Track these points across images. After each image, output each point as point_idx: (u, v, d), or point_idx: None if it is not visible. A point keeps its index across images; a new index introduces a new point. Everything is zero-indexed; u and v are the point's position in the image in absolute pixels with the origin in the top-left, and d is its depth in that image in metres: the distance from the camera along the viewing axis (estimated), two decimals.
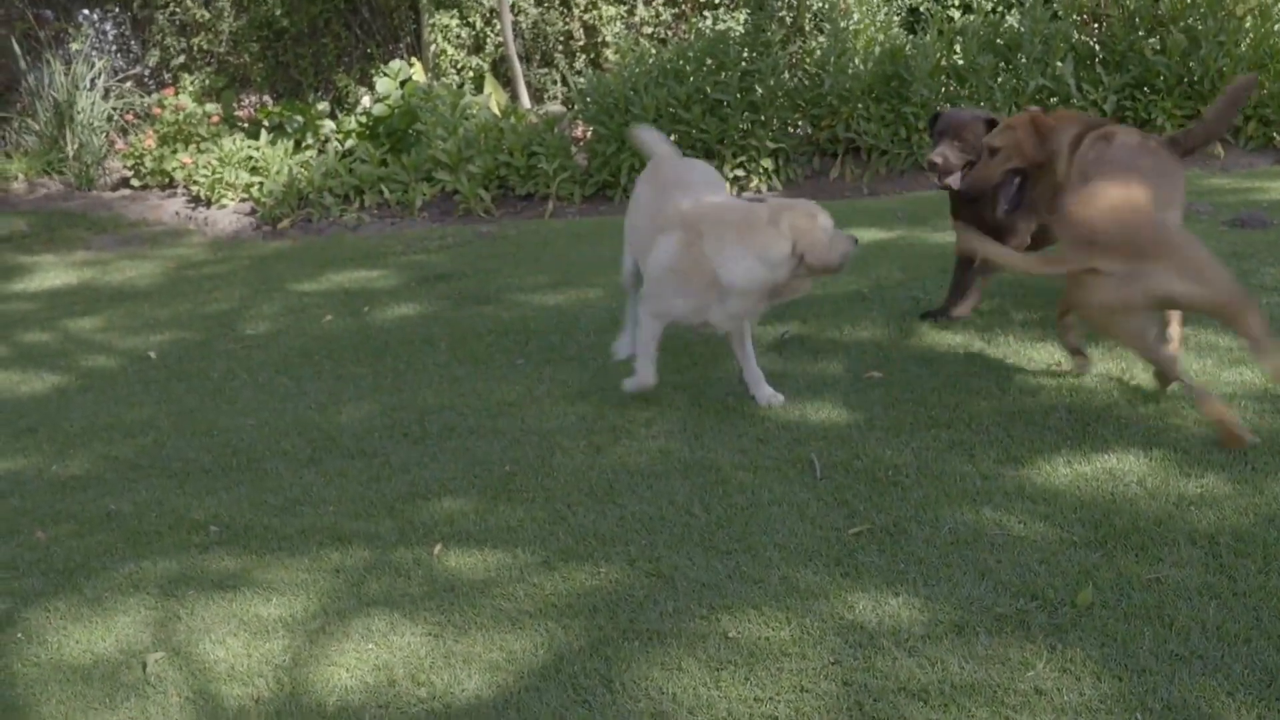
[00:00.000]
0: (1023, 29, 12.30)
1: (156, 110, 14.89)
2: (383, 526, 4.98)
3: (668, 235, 5.56)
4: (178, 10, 17.13)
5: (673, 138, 12.34)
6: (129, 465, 6.03)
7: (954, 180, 6.28)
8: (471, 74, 15.90)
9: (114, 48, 17.21)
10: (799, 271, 5.42)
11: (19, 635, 4.46)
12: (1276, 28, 11.91)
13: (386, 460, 5.70)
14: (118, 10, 17.34)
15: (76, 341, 8.74)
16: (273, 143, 14.26)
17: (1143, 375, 5.71)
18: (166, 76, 17.16)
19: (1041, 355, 6.07)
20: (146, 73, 17.29)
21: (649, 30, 15.88)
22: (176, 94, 15.01)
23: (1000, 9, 13.65)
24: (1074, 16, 12.46)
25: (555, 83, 16.23)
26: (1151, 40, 11.99)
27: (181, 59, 17.16)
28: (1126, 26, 12.11)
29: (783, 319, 6.81)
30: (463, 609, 4.27)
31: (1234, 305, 4.86)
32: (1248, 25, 11.78)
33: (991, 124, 6.26)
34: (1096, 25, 12.55)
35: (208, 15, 17.04)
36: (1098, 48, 12.25)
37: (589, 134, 13.20)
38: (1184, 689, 3.45)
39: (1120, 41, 12.05)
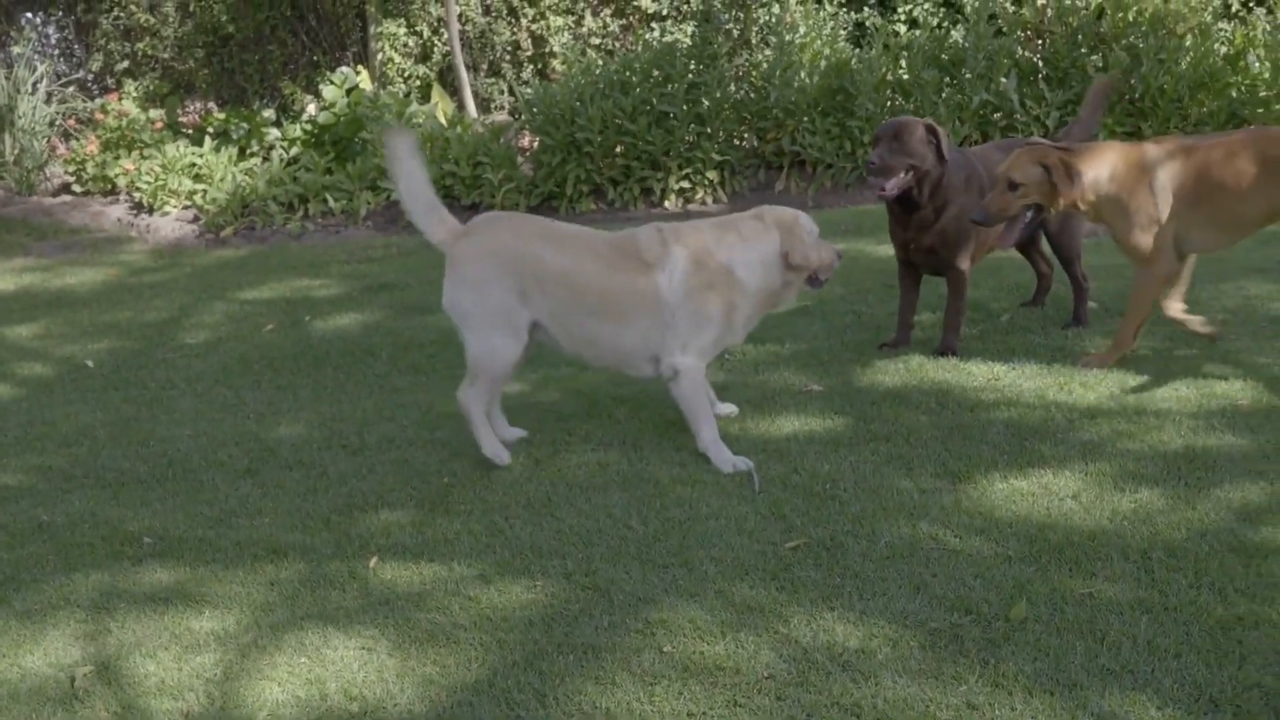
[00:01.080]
0: (967, 45, 12.39)
1: (99, 116, 14.76)
2: (319, 539, 4.94)
3: (667, 265, 5.30)
4: (122, 15, 17.01)
5: (619, 149, 12.36)
6: (63, 476, 5.95)
7: (891, 185, 6.23)
8: (418, 83, 15.88)
9: (57, 52, 17.09)
10: (787, 276, 5.43)
11: None
12: (1216, 46, 12.05)
13: (324, 472, 5.66)
14: (61, 14, 17.21)
15: (13, 349, 8.63)
16: (217, 150, 14.16)
17: (1080, 390, 5.75)
18: (110, 82, 17.04)
19: (980, 370, 6.11)
20: (90, 77, 17.16)
21: (596, 41, 15.90)
22: (120, 99, 14.89)
23: (945, 25, 13.75)
24: (1018, 33, 12.56)
25: (502, 93, 16.23)
26: (1094, 57, 12.10)
27: (125, 64, 17.03)
28: (1069, 43, 12.21)
29: None
30: (397, 622, 4.23)
31: None
32: (1187, 44, 11.91)
33: (931, 129, 6.24)
34: (1040, 42, 12.64)
35: (153, 20, 16.92)
36: (1041, 64, 12.36)
37: (535, 144, 13.18)
38: (1115, 703, 3.46)
39: (1063, 58, 12.16)
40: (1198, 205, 5.85)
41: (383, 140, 5.81)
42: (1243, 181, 5.79)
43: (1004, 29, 12.60)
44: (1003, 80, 12.00)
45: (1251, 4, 14.05)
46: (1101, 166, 5.91)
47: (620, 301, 5.27)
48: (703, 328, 5.32)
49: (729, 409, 5.84)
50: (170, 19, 16.98)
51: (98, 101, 15.71)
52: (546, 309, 5.33)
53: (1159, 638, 3.74)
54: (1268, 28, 12.08)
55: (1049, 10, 12.52)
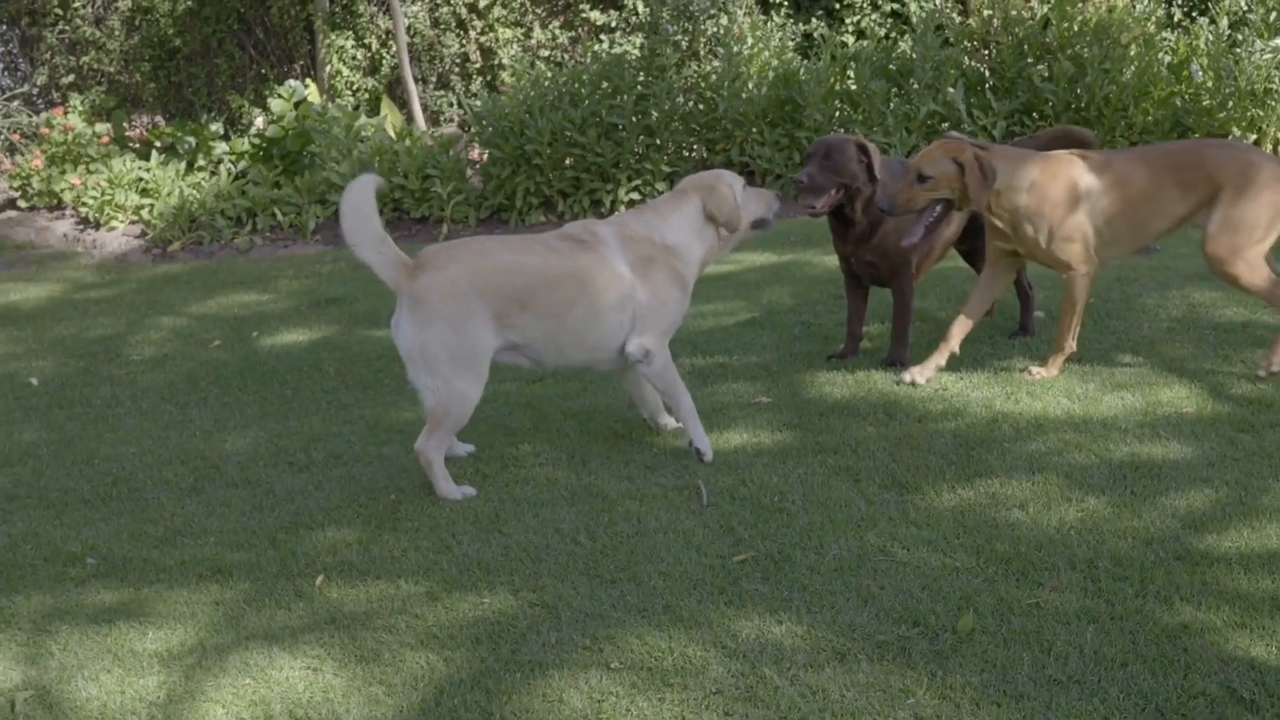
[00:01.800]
0: (914, 55, 12.45)
1: (45, 130, 14.62)
2: (264, 557, 4.90)
3: (609, 257, 5.35)
4: (67, 29, 16.87)
5: (568, 161, 12.36)
6: (5, 496, 5.88)
7: (820, 204, 6.22)
8: (367, 96, 15.81)
9: (0, 66, 16.89)
10: (720, 233, 5.56)
11: None
12: (1160, 56, 12.15)
13: (270, 489, 5.61)
14: (5, 27, 17.05)
15: None
16: (164, 164, 14.06)
17: (1027, 400, 5.78)
18: (55, 96, 16.88)
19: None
20: (35, 92, 17.00)
21: (545, 53, 15.88)
22: (66, 114, 14.76)
23: (893, 35, 13.82)
24: (965, 43, 12.64)
25: (451, 105, 16.18)
26: (1040, 67, 12.19)
27: (71, 78, 16.88)
28: (1015, 54, 12.30)
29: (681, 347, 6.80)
30: (343, 641, 4.20)
31: None
32: (1132, 53, 12.01)
33: (862, 148, 6.24)
34: (986, 52, 12.72)
35: (98, 34, 16.79)
36: (988, 74, 12.44)
37: (484, 157, 13.15)
38: (1061, 714, 3.47)
39: (1009, 68, 12.24)
40: (1113, 217, 5.91)
41: (349, 182, 5.47)
42: (1157, 194, 5.88)
43: (951, 39, 12.68)
44: (950, 90, 12.07)
45: (1194, 14, 14.18)
46: (1021, 174, 5.88)
47: (591, 282, 5.27)
48: (665, 304, 5.40)
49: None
50: (116, 32, 16.85)
51: (43, 116, 15.56)
52: (527, 320, 5.23)
53: (1105, 647, 3.75)
54: (1210, 37, 12.19)
55: (995, 21, 12.61)
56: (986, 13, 12.69)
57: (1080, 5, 12.37)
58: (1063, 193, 5.83)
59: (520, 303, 5.19)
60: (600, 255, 5.33)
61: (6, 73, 16.90)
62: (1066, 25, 12.23)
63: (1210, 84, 11.87)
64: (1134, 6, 12.45)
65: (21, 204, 14.40)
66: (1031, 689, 3.58)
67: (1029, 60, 12.24)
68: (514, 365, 5.47)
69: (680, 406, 5.48)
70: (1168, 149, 6.23)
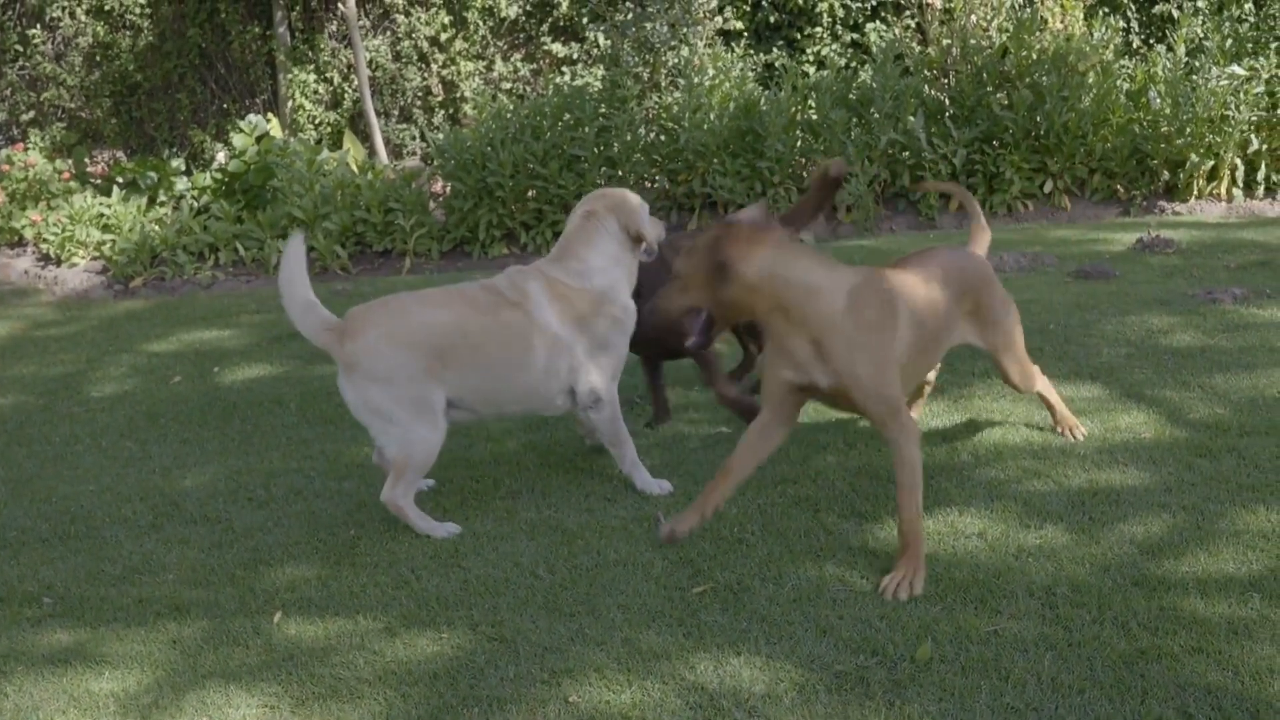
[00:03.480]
0: (875, 85, 12.53)
1: (4, 167, 14.55)
2: (222, 594, 4.86)
3: (538, 315, 5.25)
4: (27, 65, 16.82)
5: (530, 194, 12.37)
6: None
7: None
8: (329, 129, 15.82)
9: None
10: (639, 252, 5.53)
11: None
12: (1118, 83, 12.26)
13: (230, 525, 5.58)
14: None
15: None
16: (125, 199, 14.01)
17: (986, 428, 5.79)
18: (15, 132, 16.82)
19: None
20: None
21: (507, 86, 15.92)
22: (26, 150, 14.70)
23: (853, 65, 13.91)
24: (924, 72, 12.73)
25: (414, 138, 16.19)
26: (999, 95, 12.29)
27: (31, 114, 16.83)
28: (975, 82, 12.39)
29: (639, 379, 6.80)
30: (300, 679, 4.17)
31: None
32: (1090, 81, 12.11)
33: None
34: (946, 81, 12.81)
35: (58, 70, 16.74)
36: (948, 103, 12.53)
37: (447, 190, 13.16)
38: None
39: (969, 97, 12.33)
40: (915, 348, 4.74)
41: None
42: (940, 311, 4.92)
43: (911, 69, 12.77)
44: (910, 119, 12.15)
45: (1152, 41, 14.32)
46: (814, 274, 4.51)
47: (515, 341, 5.20)
48: (604, 349, 5.36)
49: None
50: (77, 68, 16.80)
51: (3, 153, 15.49)
52: (452, 377, 5.15)
53: (1063, 674, 3.76)
54: (1168, 64, 12.31)
55: (954, 50, 12.70)
56: (945, 42, 12.79)
57: (1038, 34, 12.47)
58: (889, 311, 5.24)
59: (441, 359, 5.12)
60: (528, 313, 5.24)
61: None
62: (1025, 54, 12.33)
63: (1168, 111, 11.98)
64: (1091, 35, 12.56)
65: None
66: (990, 717, 3.59)
67: (988, 89, 12.34)
68: (459, 422, 5.37)
69: (625, 458, 5.44)
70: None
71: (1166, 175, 12.21)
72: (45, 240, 13.64)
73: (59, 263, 13.56)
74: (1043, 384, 5.55)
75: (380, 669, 4.18)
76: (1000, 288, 5.32)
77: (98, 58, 16.80)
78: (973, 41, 12.57)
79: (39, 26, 16.75)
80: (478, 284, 5.41)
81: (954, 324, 5.04)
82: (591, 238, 5.42)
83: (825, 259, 4.57)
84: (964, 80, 12.50)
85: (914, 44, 13.49)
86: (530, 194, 12.50)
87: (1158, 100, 12.11)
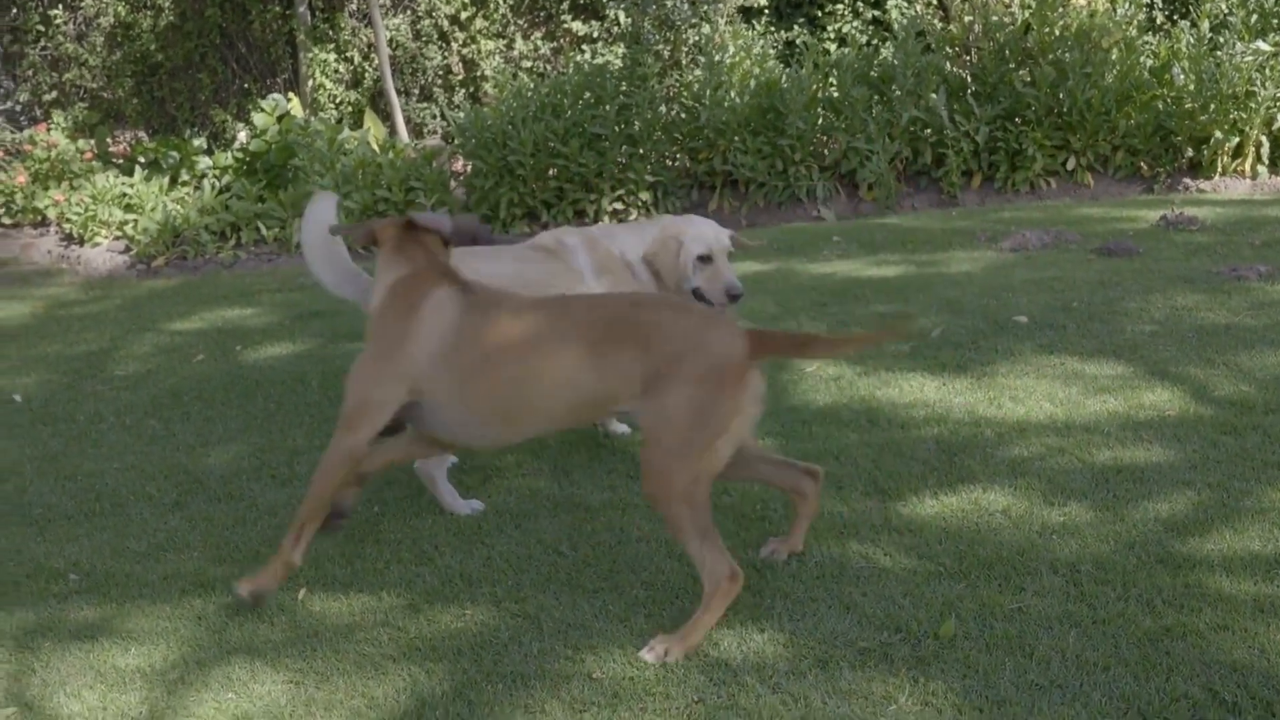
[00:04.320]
0: (896, 62, 12.49)
1: (28, 147, 14.60)
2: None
3: (576, 255, 5.52)
4: (49, 46, 16.85)
5: (551, 172, 12.37)
6: None
7: None
8: (350, 109, 15.81)
9: None
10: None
11: None
12: (1141, 59, 12.19)
13: (254, 503, 5.60)
14: None
15: None
16: (148, 179, 14.04)
17: (1010, 405, 5.78)
18: (38, 112, 16.86)
19: (911, 387, 6.12)
20: (18, 109, 16.97)
21: (527, 64, 15.90)
22: (48, 130, 14.75)
23: (874, 42, 13.85)
24: (946, 49, 12.68)
25: (434, 117, 16.18)
26: (1021, 72, 12.23)
27: (54, 95, 16.86)
28: (997, 59, 12.34)
29: None
30: (325, 655, 4.19)
31: None
32: (1114, 57, 12.05)
33: None
34: (968, 58, 12.76)
35: (80, 50, 16.77)
36: (970, 80, 12.48)
37: (468, 168, 13.16)
38: (1044, 719, 3.46)
39: (991, 74, 12.28)
40: (470, 372, 4.28)
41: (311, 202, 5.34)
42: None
43: (932, 46, 12.72)
44: (932, 96, 12.10)
45: (1176, 17, 14.23)
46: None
47: (560, 287, 5.25)
48: None
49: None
50: (98, 49, 16.83)
51: (26, 133, 15.54)
52: None
53: (1087, 651, 3.75)
54: (1191, 40, 12.24)
55: (976, 26, 12.64)
56: (968, 18, 12.73)
57: (1061, 10, 12.40)
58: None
59: None
60: (566, 262, 5.44)
61: None
62: (1048, 30, 12.28)
63: (1192, 87, 11.91)
64: (1115, 10, 12.49)
65: (5, 221, 14.36)
66: (1014, 694, 3.58)
67: (1011, 65, 12.29)
68: None
69: None
70: None
71: (1190, 152, 12.15)
72: (68, 220, 13.69)
73: (82, 242, 13.61)
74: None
75: (404, 645, 4.20)
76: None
77: (119, 38, 16.82)
78: (995, 18, 12.52)
79: (60, 7, 16.78)
80: (525, 243, 5.52)
81: (586, 375, 4.14)
82: (643, 231, 5.57)
83: (398, 262, 4.51)
84: (986, 57, 12.45)
85: (936, 20, 13.44)
86: (551, 172, 12.50)
87: (1181, 76, 12.04)
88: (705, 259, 5.53)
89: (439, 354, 4.27)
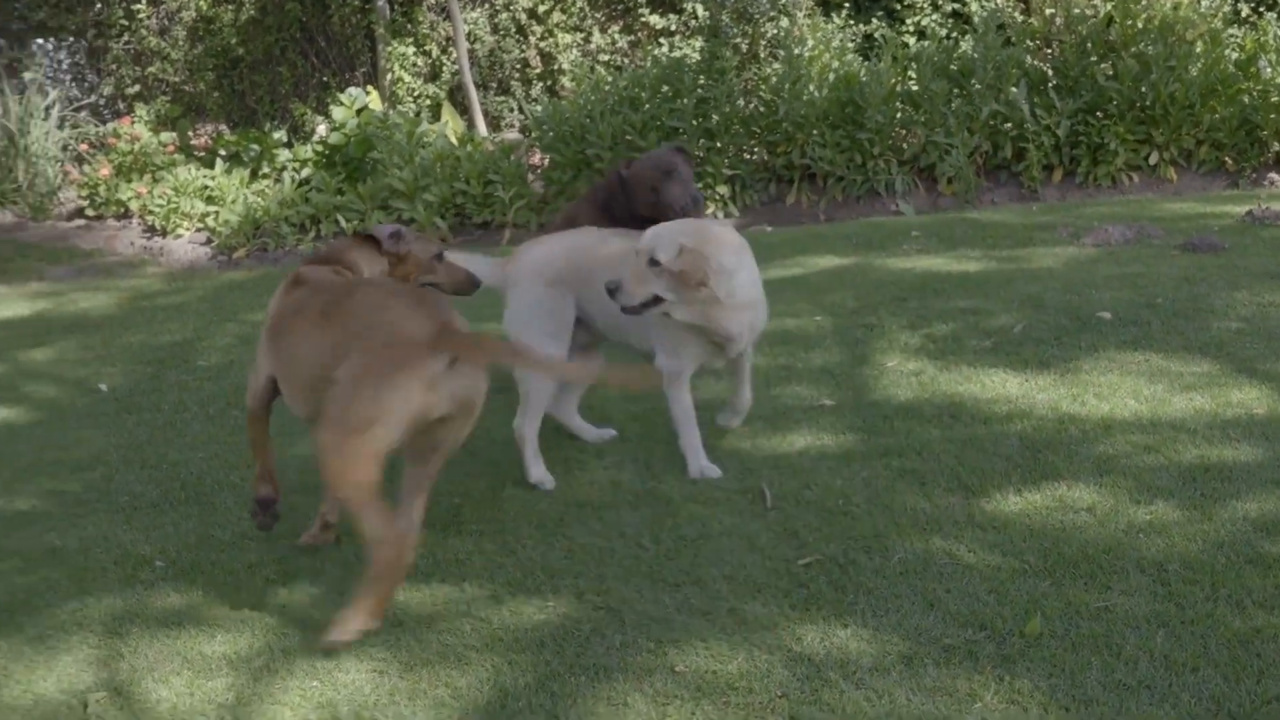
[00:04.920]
0: (976, 55, 12.39)
1: (112, 140, 14.80)
2: (329, 561, 4.92)
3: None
4: (132, 40, 17.06)
5: None
6: (75, 500, 5.95)
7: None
8: (428, 102, 15.89)
9: (69, 77, 17.11)
10: None
11: None
12: (1227, 52, 12.02)
13: None
14: (72, 39, 17.25)
15: (27, 373, 8.64)
16: (228, 172, 14.19)
17: (1094, 402, 5.72)
18: (122, 106, 17.08)
19: (993, 383, 6.07)
20: (102, 102, 17.20)
21: (605, 58, 15.89)
22: (132, 123, 14.94)
23: (954, 35, 13.74)
24: (1027, 42, 12.56)
25: (512, 110, 16.23)
26: (1104, 65, 12.09)
27: (137, 88, 17.07)
28: (1079, 52, 12.20)
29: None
30: (409, 645, 4.22)
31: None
32: (1198, 50, 11.89)
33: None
34: (1049, 51, 12.63)
35: (163, 44, 16.97)
36: (1051, 73, 12.34)
37: (545, 161, 13.20)
38: (1131, 719, 3.43)
39: (1073, 67, 12.14)
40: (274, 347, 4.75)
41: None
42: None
43: (1013, 39, 12.60)
44: (1012, 90, 11.99)
45: (1262, 9, 14.01)
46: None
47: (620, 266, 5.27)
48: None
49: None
50: (180, 42, 17.02)
51: (110, 126, 15.75)
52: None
53: (1176, 652, 3.71)
54: (1278, 32, 12.05)
55: (1058, 19, 12.52)
56: (1049, 11, 12.60)
57: (1145, 2, 12.24)
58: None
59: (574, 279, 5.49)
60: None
61: (74, 84, 17.09)
62: (1130, 22, 12.13)
63: (1279, 80, 11.73)
64: (1199, 3, 12.32)
65: (89, 213, 14.58)
66: (1101, 693, 3.55)
67: (1092, 58, 12.15)
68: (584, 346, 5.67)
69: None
70: None
71: (1277, 146, 11.95)
72: (151, 212, 13.87)
73: (164, 234, 13.79)
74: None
75: (487, 636, 4.22)
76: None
77: (201, 32, 17.00)
78: (1077, 10, 12.38)
79: (144, 1, 16.98)
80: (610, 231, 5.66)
81: (309, 350, 4.48)
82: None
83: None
84: (1068, 50, 12.31)
85: (1016, 13, 13.31)
86: None
87: (1268, 69, 11.86)
88: None
89: (266, 331, 4.76)
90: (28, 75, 15.92)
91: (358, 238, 5.11)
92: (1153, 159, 12.02)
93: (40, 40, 16.92)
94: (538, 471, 5.49)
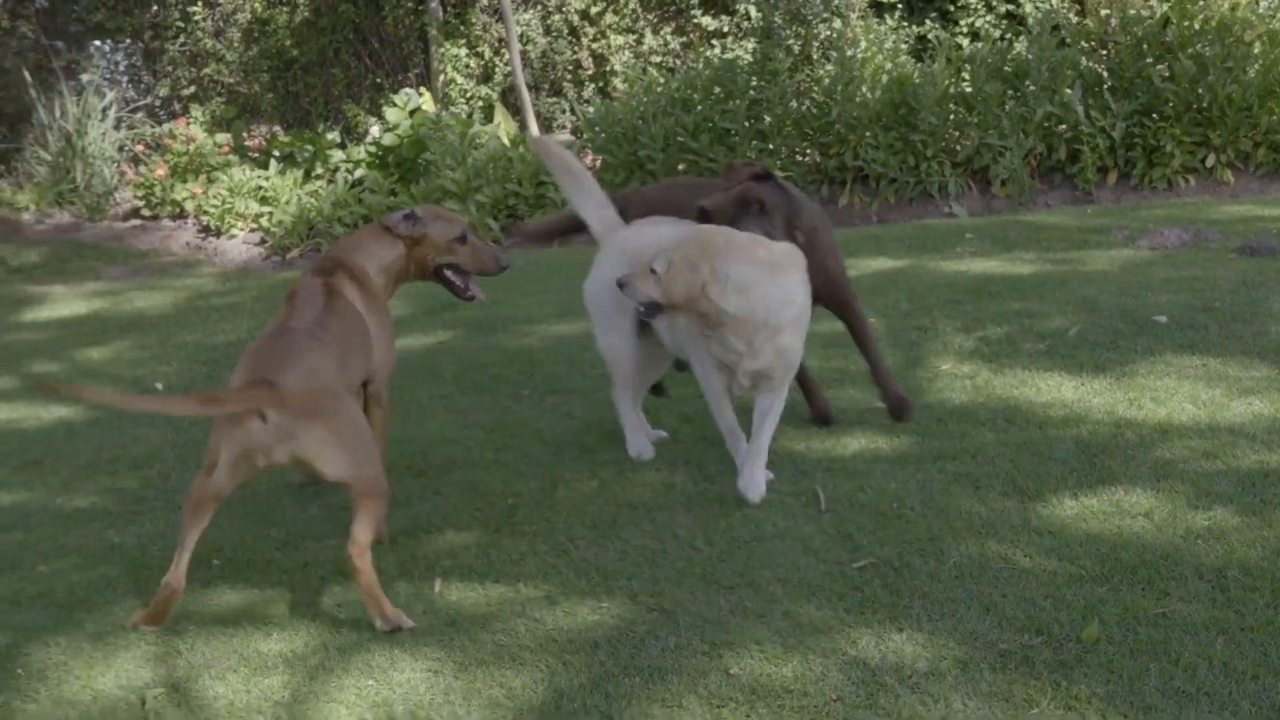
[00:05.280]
0: (1030, 56, 12.30)
1: (167, 141, 14.94)
2: (385, 560, 4.93)
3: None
4: (188, 41, 17.21)
5: (681, 167, 12.37)
6: (133, 498, 6.00)
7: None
8: (480, 103, 15.94)
9: (125, 78, 17.28)
10: None
11: (19, 671, 4.43)
12: None
13: (390, 493, 5.65)
14: (129, 41, 17.42)
15: (85, 372, 8.73)
16: (282, 172, 14.30)
17: (1151, 406, 5.66)
18: (177, 107, 17.23)
19: (1048, 386, 6.04)
20: (157, 103, 17.36)
21: (657, 59, 15.90)
22: (187, 124, 15.07)
23: (1008, 36, 13.65)
24: (1082, 43, 12.46)
25: (564, 112, 16.26)
26: (1160, 67, 11.96)
27: (192, 89, 17.22)
28: (1134, 53, 12.09)
29: None
30: (463, 644, 4.23)
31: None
32: (1256, 51, 11.76)
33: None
34: (1104, 52, 12.53)
35: (218, 46, 17.11)
36: (1106, 74, 12.24)
37: (598, 163, 13.21)
38: None
39: (1128, 68, 12.03)
40: None
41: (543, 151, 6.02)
42: None
43: (1068, 40, 12.50)
44: (1067, 91, 11.91)
45: None
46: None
47: None
48: None
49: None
50: (235, 44, 17.16)
51: (165, 127, 15.90)
52: None
53: (1236, 659, 3.68)
54: None
55: (1113, 20, 12.41)
56: (1104, 12, 12.50)
57: (1202, 3, 12.12)
58: None
59: None
60: None
61: (131, 85, 17.25)
62: (1187, 23, 12.00)
63: None
64: (1257, 3, 12.19)
65: (145, 213, 14.73)
66: (1159, 700, 3.52)
67: (1148, 60, 12.03)
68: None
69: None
70: None
71: None
72: (206, 213, 14.00)
73: (219, 234, 13.90)
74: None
75: (541, 636, 4.23)
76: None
77: (256, 33, 17.13)
78: (1132, 11, 12.26)
79: (200, 3, 17.14)
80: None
81: None
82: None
83: None
84: (1123, 51, 12.20)
85: (1071, 14, 13.21)
86: (681, 167, 12.50)
87: None
88: None
89: None
90: (85, 77, 16.09)
91: (374, 229, 5.38)
92: (1209, 161, 11.89)
93: (97, 42, 17.10)
94: (633, 443, 5.69)
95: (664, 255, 4.88)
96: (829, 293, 5.61)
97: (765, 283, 4.91)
